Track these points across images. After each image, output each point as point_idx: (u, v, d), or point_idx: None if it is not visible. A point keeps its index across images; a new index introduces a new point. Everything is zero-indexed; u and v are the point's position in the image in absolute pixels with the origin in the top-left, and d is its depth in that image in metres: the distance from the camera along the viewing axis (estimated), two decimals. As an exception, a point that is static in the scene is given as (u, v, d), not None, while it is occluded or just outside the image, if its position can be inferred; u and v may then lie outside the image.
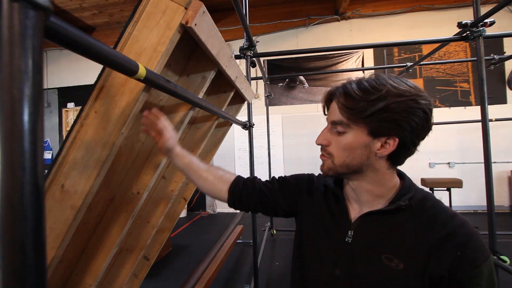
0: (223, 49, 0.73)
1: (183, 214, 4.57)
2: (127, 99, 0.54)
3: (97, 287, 1.06)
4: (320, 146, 0.56)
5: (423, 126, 0.47)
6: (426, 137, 0.49)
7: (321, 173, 0.57)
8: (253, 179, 0.72)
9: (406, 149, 0.49)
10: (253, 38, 1.65)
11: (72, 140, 0.56)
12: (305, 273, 0.60)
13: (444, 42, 2.00)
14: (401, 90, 0.46)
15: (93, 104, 0.56)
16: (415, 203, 0.50)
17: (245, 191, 0.69)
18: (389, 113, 0.45)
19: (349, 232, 0.54)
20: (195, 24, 0.54)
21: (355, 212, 0.56)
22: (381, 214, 0.52)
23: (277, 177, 0.73)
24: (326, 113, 0.56)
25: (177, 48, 0.77)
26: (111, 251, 0.82)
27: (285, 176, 0.72)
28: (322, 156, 0.56)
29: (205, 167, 0.73)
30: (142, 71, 0.46)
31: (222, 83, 1.06)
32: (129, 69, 0.43)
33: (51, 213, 0.58)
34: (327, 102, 0.55)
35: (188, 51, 0.82)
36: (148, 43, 0.55)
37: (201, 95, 0.81)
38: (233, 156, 4.95)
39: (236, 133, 4.76)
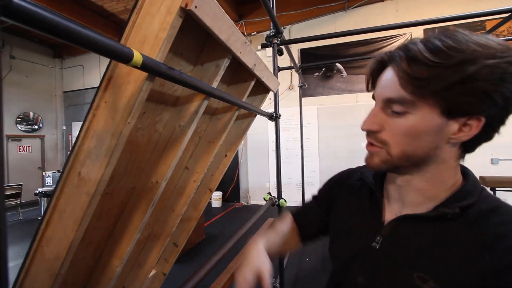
0: (234, 34, 0.69)
1: (218, 204, 4.73)
2: (132, 88, 0.54)
3: (127, 268, 1.15)
4: (365, 133, 0.43)
5: None
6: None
7: (369, 167, 0.44)
8: (297, 208, 0.68)
9: (490, 132, 0.37)
10: (287, 26, 1.58)
11: (86, 130, 0.59)
12: (333, 279, 0.54)
13: (515, 14, 1.65)
14: (492, 48, 0.33)
15: (103, 94, 0.57)
16: (475, 213, 0.38)
17: (300, 223, 0.66)
18: (476, 83, 0.33)
19: (378, 237, 0.45)
20: (196, 7, 0.51)
21: (391, 214, 0.46)
22: (420, 220, 0.41)
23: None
24: (370, 88, 0.44)
25: (190, 36, 0.75)
26: (133, 236, 0.86)
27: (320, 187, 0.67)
28: (370, 146, 0.43)
29: (280, 242, 0.62)
30: (137, 58, 0.45)
31: (242, 72, 1.02)
32: (122, 56, 0.42)
33: (71, 199, 0.62)
34: (376, 72, 0.42)
35: (202, 39, 0.80)
36: (151, 30, 0.53)
37: (215, 84, 0.78)
38: (267, 148, 4.93)
39: (269, 125, 4.71)
